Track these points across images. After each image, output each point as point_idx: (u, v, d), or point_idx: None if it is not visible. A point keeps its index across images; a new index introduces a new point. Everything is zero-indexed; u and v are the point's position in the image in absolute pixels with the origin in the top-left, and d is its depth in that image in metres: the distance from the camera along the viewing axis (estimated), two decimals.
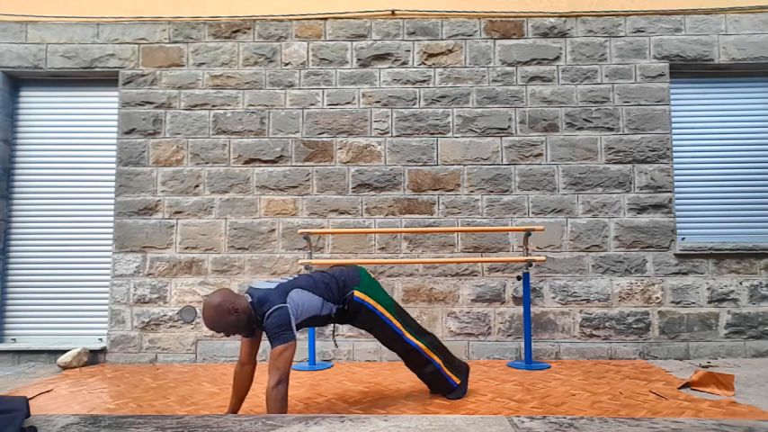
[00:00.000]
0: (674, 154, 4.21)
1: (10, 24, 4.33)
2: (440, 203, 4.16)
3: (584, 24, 4.25)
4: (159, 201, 4.21)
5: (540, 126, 4.18)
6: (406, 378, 3.37)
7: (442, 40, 4.28)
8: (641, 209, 4.09)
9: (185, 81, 4.29)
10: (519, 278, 3.76)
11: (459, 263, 4.06)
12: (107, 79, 4.39)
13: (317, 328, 3.92)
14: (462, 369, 2.91)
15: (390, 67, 4.27)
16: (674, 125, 4.24)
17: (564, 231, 4.10)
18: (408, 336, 2.76)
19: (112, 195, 4.28)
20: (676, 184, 4.20)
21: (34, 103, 4.45)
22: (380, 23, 4.29)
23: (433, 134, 4.21)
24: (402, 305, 3.56)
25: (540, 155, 4.17)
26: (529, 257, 3.72)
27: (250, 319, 2.36)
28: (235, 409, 2.51)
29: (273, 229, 4.17)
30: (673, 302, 4.02)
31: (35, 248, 4.33)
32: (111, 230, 4.25)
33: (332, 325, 3.30)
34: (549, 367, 3.67)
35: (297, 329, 2.40)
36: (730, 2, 4.21)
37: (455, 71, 4.25)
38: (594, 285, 4.04)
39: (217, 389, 3.19)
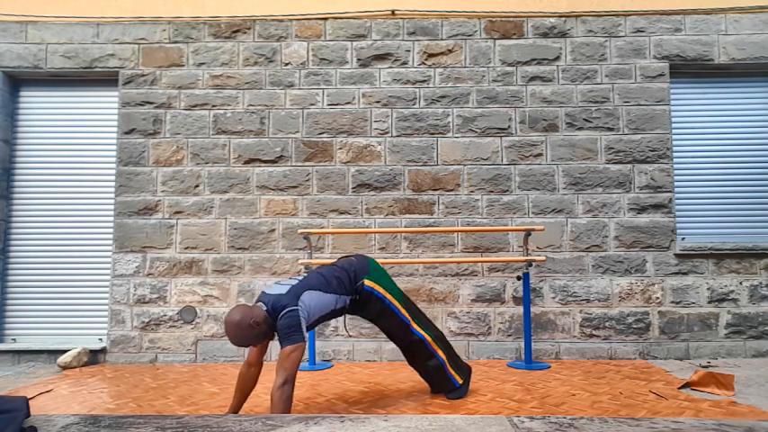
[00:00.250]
0: (674, 154, 4.21)
1: (10, 24, 4.33)
2: (440, 203, 4.16)
3: (584, 24, 4.25)
4: (159, 201, 4.21)
5: (540, 126, 4.18)
6: (406, 378, 3.37)
7: (442, 40, 4.28)
8: (641, 209, 4.09)
9: (185, 81, 4.29)
10: (519, 278, 3.77)
11: (459, 263, 4.06)
12: (107, 79, 4.39)
13: (316, 329, 3.93)
14: (465, 369, 2.91)
15: (390, 67, 4.27)
16: (674, 125, 4.24)
17: (564, 231, 4.10)
18: (415, 326, 2.77)
19: (112, 195, 4.28)
20: (676, 184, 4.20)
21: (34, 103, 4.45)
22: (380, 23, 4.29)
23: (433, 134, 4.21)
24: None
25: (540, 155, 4.17)
26: (529, 257, 3.73)
27: (270, 326, 2.40)
28: (236, 408, 2.52)
29: (273, 229, 4.17)
30: (673, 302, 4.02)
31: (35, 248, 4.33)
32: (111, 230, 4.25)
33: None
34: (549, 367, 3.67)
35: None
36: (730, 2, 4.21)
37: (455, 71, 4.25)
38: (594, 285, 4.04)
39: (217, 389, 3.19)
